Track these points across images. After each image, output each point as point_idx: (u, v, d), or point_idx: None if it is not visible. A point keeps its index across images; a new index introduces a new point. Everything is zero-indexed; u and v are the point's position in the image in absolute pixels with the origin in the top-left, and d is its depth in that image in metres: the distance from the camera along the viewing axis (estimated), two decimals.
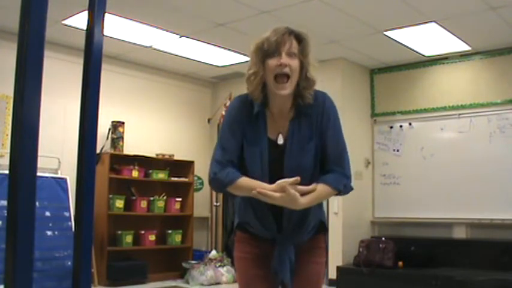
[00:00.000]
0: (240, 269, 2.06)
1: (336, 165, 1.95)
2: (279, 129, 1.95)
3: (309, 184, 1.88)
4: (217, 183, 1.91)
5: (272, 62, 1.85)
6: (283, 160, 1.91)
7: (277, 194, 1.80)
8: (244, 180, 1.88)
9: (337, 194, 1.97)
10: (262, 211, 1.94)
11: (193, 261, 6.65)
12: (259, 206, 1.93)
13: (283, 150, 1.92)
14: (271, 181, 1.86)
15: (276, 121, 1.96)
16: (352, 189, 2.00)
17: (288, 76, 1.85)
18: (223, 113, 7.08)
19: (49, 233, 5.15)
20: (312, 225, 2.00)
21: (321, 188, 1.89)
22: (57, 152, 5.70)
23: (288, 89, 1.87)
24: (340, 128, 2.01)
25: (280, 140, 1.94)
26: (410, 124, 6.55)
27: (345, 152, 1.99)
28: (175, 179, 6.93)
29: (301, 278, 2.00)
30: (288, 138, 1.93)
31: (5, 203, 4.33)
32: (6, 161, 5.18)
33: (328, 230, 2.16)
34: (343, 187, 1.94)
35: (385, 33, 5.57)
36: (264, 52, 1.87)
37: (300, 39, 1.90)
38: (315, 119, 1.94)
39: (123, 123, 6.50)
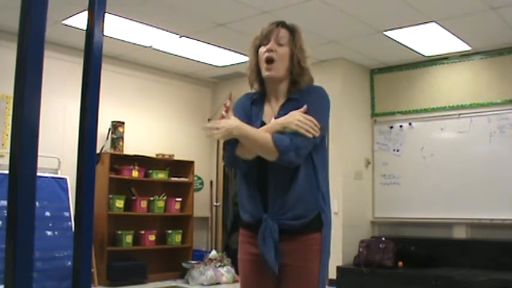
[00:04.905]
0: (241, 271, 2.09)
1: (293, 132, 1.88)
2: (273, 114, 2.02)
3: (298, 169, 1.90)
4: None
5: (262, 50, 2.00)
6: None
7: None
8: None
9: (276, 158, 1.85)
10: (254, 190, 1.97)
11: (193, 261, 6.65)
12: (252, 186, 1.97)
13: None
14: (264, 165, 1.91)
15: (272, 107, 2.04)
16: (292, 160, 1.85)
17: (273, 60, 1.96)
18: (223, 113, 7.08)
19: (49, 233, 5.15)
20: (302, 209, 1.91)
21: (264, 130, 1.89)
22: (57, 152, 5.70)
23: (272, 70, 1.97)
24: (322, 112, 1.97)
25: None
26: (410, 124, 6.55)
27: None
28: (175, 179, 6.93)
29: (290, 284, 1.94)
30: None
31: (5, 203, 4.33)
32: (6, 161, 5.17)
33: (326, 225, 1.95)
34: (284, 148, 1.83)
35: (385, 33, 5.57)
36: (258, 42, 2.03)
37: (291, 30, 2.02)
38: (304, 103, 1.92)
39: (123, 123, 6.50)
